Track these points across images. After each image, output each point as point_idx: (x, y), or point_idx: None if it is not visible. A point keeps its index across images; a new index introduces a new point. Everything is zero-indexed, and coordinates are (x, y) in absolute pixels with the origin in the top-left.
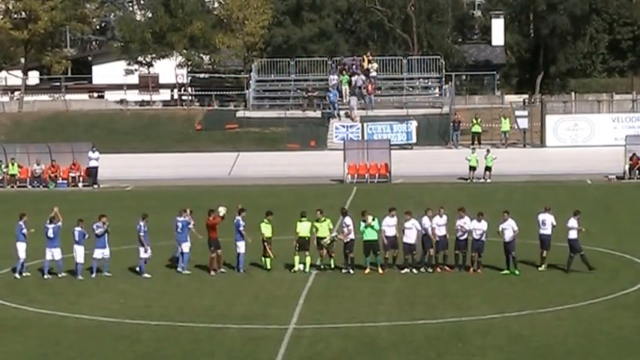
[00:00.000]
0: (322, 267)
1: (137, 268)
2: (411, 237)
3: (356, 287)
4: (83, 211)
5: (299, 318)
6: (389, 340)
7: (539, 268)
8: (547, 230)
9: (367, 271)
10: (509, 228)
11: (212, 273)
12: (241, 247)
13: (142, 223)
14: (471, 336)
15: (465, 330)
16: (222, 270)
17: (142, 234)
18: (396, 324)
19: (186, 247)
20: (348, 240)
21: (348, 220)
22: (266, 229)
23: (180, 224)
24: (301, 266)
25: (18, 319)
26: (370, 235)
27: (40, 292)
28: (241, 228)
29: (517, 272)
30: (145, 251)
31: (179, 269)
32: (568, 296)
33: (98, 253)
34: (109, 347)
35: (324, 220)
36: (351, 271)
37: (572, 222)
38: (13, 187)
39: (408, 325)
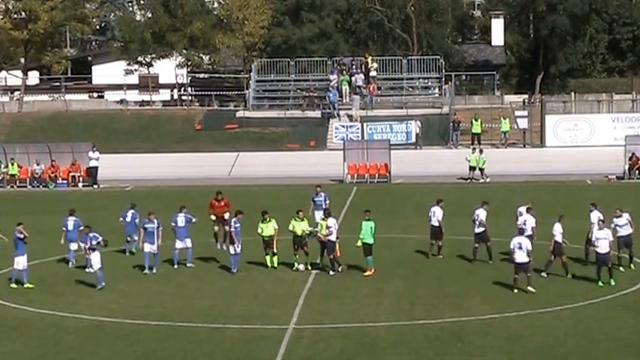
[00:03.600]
0: (298, 265)
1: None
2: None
3: (356, 287)
4: (83, 211)
5: (299, 318)
6: (388, 340)
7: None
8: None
9: (367, 272)
10: (607, 239)
11: (219, 246)
12: (231, 248)
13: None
14: (471, 336)
15: (464, 330)
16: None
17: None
18: (395, 324)
19: (188, 242)
20: (327, 241)
21: (330, 221)
22: (265, 229)
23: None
24: (301, 266)
25: (18, 319)
26: (370, 239)
27: (40, 292)
28: (232, 229)
29: (613, 282)
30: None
31: (189, 264)
32: (568, 296)
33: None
34: (108, 347)
35: (302, 220)
36: (331, 272)
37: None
38: (13, 187)
39: (408, 325)
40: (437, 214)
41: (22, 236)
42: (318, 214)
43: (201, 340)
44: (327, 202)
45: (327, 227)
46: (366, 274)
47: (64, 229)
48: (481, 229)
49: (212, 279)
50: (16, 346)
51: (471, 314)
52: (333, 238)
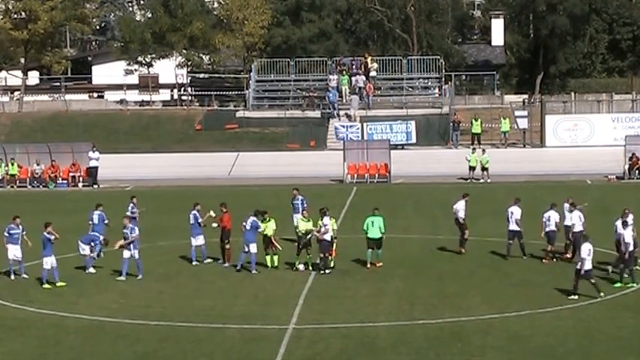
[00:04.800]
0: (298, 264)
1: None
2: None
3: (356, 287)
4: (84, 212)
5: (299, 318)
6: (388, 340)
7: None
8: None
9: (369, 265)
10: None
11: (226, 264)
12: (253, 247)
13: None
14: (471, 336)
15: (464, 330)
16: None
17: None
18: (395, 324)
19: (200, 239)
20: (323, 239)
21: (326, 219)
22: (266, 229)
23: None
24: (301, 266)
25: (18, 319)
26: (373, 233)
27: (40, 292)
28: (260, 230)
29: (618, 285)
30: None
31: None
32: (568, 296)
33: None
34: (108, 347)
35: (308, 221)
36: (327, 271)
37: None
38: (13, 187)
39: (408, 325)
40: (459, 207)
41: (52, 237)
42: (296, 217)
43: (201, 340)
44: (305, 205)
45: (324, 225)
46: (378, 265)
47: (90, 222)
48: (516, 227)
49: (212, 279)
50: (16, 346)
51: (471, 314)
52: (327, 237)
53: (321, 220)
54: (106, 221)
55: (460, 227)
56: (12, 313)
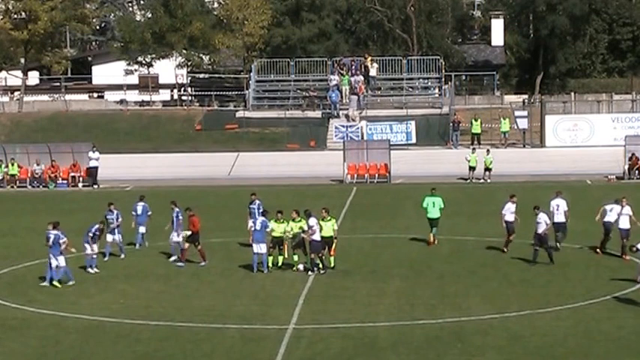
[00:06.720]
0: (298, 265)
1: None
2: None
3: (356, 287)
4: (83, 212)
5: (299, 318)
6: (388, 340)
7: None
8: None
9: (432, 238)
10: None
11: (180, 263)
12: (263, 247)
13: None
14: (471, 336)
15: (464, 330)
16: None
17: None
18: (395, 324)
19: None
20: (312, 240)
21: (312, 220)
22: (277, 229)
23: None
24: (301, 266)
25: (18, 319)
26: (433, 213)
27: (40, 292)
28: (267, 229)
29: None
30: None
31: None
32: (568, 296)
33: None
34: (108, 347)
35: (300, 221)
36: (316, 271)
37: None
38: (13, 187)
39: (408, 325)
40: (511, 209)
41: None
42: (252, 222)
43: (201, 340)
44: (261, 209)
45: (310, 227)
46: (433, 242)
47: (133, 213)
48: (562, 219)
49: (212, 279)
50: (16, 346)
51: (471, 314)
52: (317, 237)
53: (307, 221)
54: (149, 212)
55: (507, 229)
56: (12, 313)
